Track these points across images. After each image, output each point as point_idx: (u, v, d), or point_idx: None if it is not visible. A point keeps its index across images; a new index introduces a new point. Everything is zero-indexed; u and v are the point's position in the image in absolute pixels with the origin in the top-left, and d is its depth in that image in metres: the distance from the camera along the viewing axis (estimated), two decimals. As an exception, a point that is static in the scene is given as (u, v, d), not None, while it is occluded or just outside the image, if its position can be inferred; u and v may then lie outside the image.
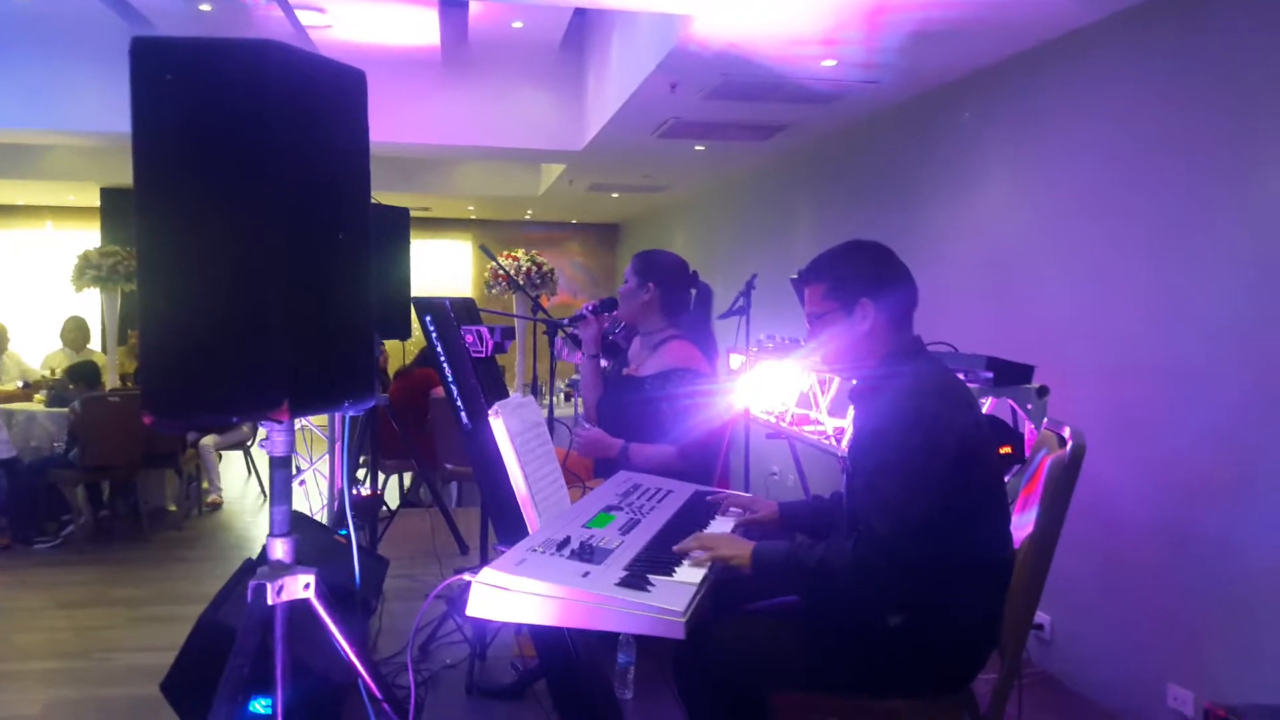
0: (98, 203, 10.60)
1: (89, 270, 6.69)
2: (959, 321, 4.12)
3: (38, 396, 6.41)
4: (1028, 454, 2.55)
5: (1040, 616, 3.69)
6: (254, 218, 1.69)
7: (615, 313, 3.41)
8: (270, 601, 1.87)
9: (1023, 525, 2.13)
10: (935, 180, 4.74)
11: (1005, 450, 2.69)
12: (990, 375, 2.75)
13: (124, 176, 2.23)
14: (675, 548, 2.06)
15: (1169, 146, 3.23)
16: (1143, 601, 3.30)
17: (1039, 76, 3.92)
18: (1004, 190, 4.19)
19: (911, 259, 2.17)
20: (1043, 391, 2.76)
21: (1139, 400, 3.33)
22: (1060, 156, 3.79)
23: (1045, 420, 2.49)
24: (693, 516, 2.45)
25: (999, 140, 4.22)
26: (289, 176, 1.71)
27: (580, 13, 6.14)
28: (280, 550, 1.95)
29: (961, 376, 2.37)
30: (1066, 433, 2.07)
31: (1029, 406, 2.75)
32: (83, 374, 6.26)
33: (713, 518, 2.47)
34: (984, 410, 2.60)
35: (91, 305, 7.92)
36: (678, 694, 2.12)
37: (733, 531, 2.38)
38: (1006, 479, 2.47)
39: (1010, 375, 2.77)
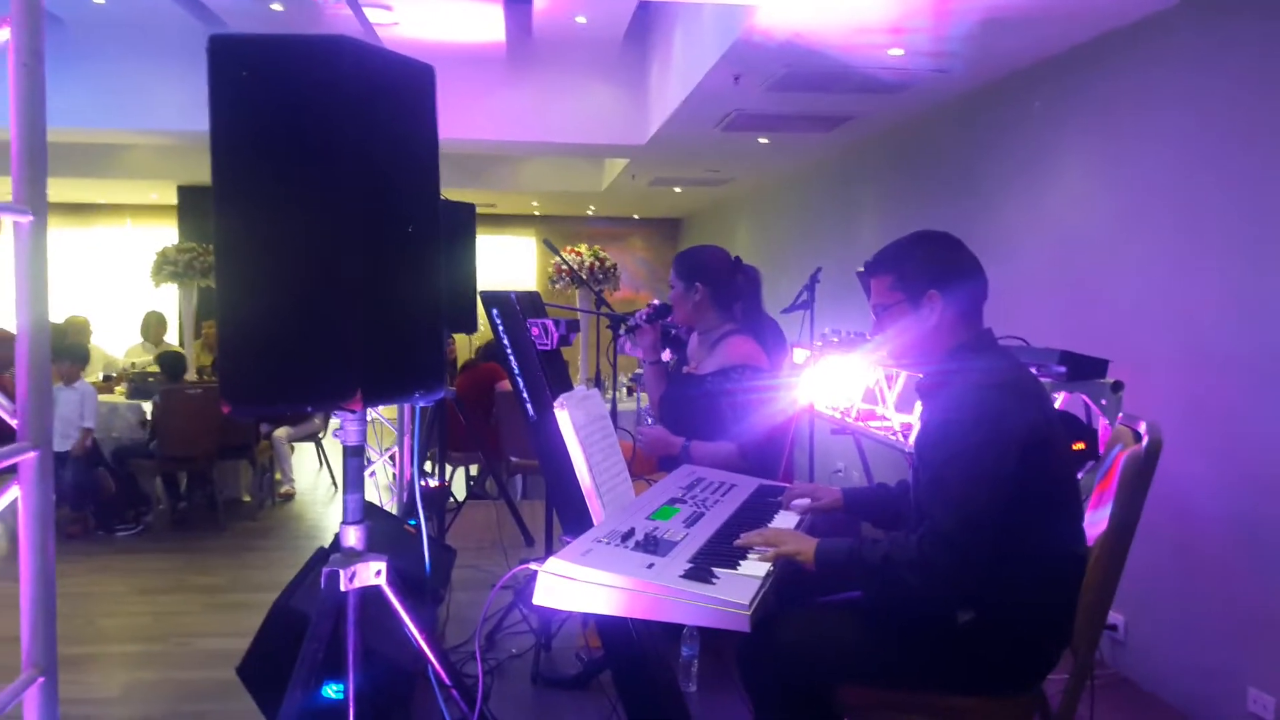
0: (175, 201, 10.92)
1: (166, 266, 6.92)
2: (1031, 315, 4.04)
3: (119, 388, 6.62)
4: (1101, 450, 2.49)
5: (1114, 616, 3.60)
6: (328, 211, 1.72)
7: (670, 319, 3.41)
8: (343, 588, 1.91)
9: (1096, 523, 2.08)
10: (1006, 170, 4.65)
11: (1079, 446, 2.64)
12: (1063, 370, 2.70)
13: (200, 175, 2.30)
14: (738, 541, 2.05)
15: (1250, 134, 3.12)
16: (1221, 602, 3.21)
17: (1114, 63, 3.81)
18: (1077, 180, 4.10)
19: (981, 251, 2.13)
20: (1117, 387, 2.69)
21: (1217, 393, 3.23)
22: (1137, 145, 3.69)
23: (1120, 415, 2.43)
24: (756, 510, 2.44)
25: (1072, 129, 4.12)
26: (362, 170, 1.74)
27: (643, 6, 6.15)
28: (353, 537, 1.98)
29: (1034, 371, 2.33)
30: (1142, 428, 2.02)
31: (1103, 402, 2.69)
32: (169, 365, 6.45)
33: (776, 512, 2.46)
34: (1057, 405, 2.55)
35: (169, 300, 8.16)
36: (743, 687, 2.11)
37: (798, 523, 2.36)
38: (1080, 475, 2.42)
39: (1084, 369, 2.72)
